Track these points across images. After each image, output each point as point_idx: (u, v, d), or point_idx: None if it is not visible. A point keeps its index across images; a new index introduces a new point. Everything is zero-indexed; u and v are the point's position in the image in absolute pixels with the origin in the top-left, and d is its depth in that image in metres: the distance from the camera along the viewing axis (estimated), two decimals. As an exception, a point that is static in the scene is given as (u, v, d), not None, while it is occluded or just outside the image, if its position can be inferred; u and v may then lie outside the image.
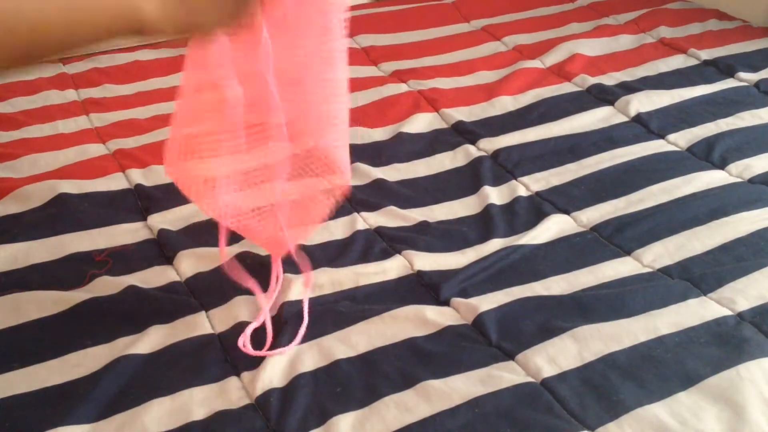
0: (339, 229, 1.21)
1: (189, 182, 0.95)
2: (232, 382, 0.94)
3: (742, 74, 1.69)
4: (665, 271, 1.13)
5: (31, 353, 0.98)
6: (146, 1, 0.73)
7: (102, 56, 1.83)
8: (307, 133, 0.95)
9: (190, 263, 1.13)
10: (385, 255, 1.14)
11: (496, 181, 1.34)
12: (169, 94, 1.66)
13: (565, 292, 1.08)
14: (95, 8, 0.70)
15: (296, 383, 0.93)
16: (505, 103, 1.59)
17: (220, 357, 0.98)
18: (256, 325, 1.00)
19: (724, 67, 1.72)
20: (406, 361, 0.96)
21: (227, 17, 0.77)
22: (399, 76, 1.71)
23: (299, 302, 1.03)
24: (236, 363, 0.97)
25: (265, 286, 1.05)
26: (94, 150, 1.44)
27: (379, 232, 1.20)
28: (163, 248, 1.17)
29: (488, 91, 1.64)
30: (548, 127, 1.50)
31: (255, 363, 0.96)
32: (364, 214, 1.24)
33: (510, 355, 0.98)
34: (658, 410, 0.89)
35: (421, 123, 1.52)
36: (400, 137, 1.47)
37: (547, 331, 1.00)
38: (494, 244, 1.18)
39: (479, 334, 1.01)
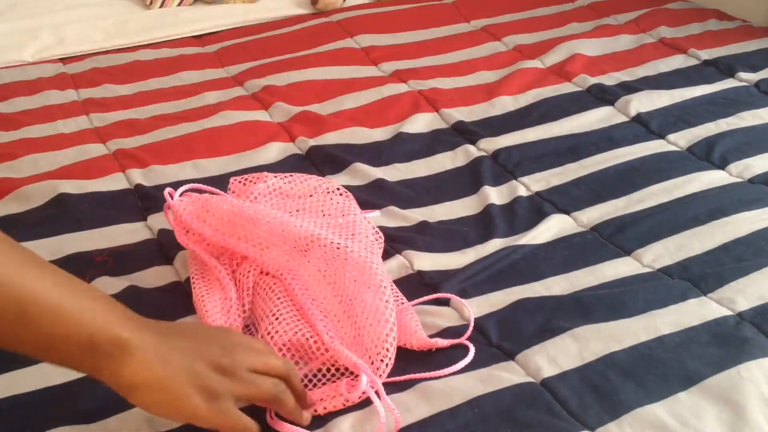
0: (339, 229, 1.20)
1: None
2: (232, 382, 0.94)
3: (742, 74, 1.69)
4: (665, 271, 1.13)
5: (31, 353, 0.98)
6: (136, 337, 0.73)
7: (102, 56, 1.83)
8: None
9: (190, 263, 1.13)
10: (385, 255, 1.14)
11: (496, 181, 1.34)
12: (169, 94, 1.66)
13: (565, 292, 1.08)
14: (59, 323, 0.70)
15: (296, 383, 0.93)
16: (506, 103, 1.59)
17: (220, 357, 0.98)
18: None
19: (724, 67, 1.72)
20: (406, 362, 0.96)
21: (209, 406, 0.75)
22: (399, 76, 1.71)
23: None
24: (236, 363, 0.96)
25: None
26: (94, 150, 1.44)
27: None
28: (163, 248, 1.17)
29: (488, 91, 1.64)
30: (548, 127, 1.50)
31: (255, 363, 0.96)
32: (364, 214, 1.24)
33: (510, 355, 0.98)
34: (658, 410, 0.89)
35: (421, 123, 1.52)
36: (400, 137, 1.47)
37: (547, 331, 1.00)
38: (494, 244, 1.18)
39: (479, 334, 1.01)
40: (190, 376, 0.75)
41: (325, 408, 0.89)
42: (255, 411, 0.89)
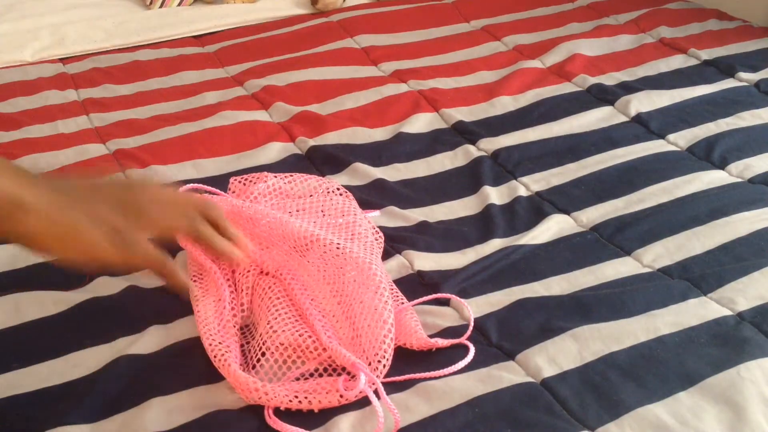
0: (339, 229, 1.20)
1: None
2: (232, 382, 0.94)
3: (742, 74, 1.69)
4: (665, 271, 1.13)
5: (31, 353, 0.98)
6: (30, 194, 0.70)
7: (102, 56, 1.83)
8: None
9: (190, 263, 1.13)
10: (385, 255, 1.14)
11: (496, 181, 1.34)
12: (169, 94, 1.66)
13: (565, 292, 1.08)
14: None
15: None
16: (505, 103, 1.59)
17: (220, 357, 0.98)
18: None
19: (724, 67, 1.72)
20: (406, 362, 0.96)
21: (113, 244, 0.73)
22: (399, 76, 1.71)
23: None
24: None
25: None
26: (94, 150, 1.44)
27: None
28: (163, 248, 1.17)
29: (488, 91, 1.64)
30: (548, 127, 1.50)
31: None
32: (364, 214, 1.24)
33: (510, 355, 0.98)
34: (658, 410, 0.89)
35: (421, 123, 1.52)
36: (400, 137, 1.47)
37: (547, 331, 1.00)
38: (494, 244, 1.18)
39: (479, 334, 1.01)
40: (91, 219, 0.74)
41: (320, 402, 0.89)
42: (254, 410, 0.90)
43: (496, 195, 1.30)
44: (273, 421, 0.88)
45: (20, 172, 0.73)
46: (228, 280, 1.05)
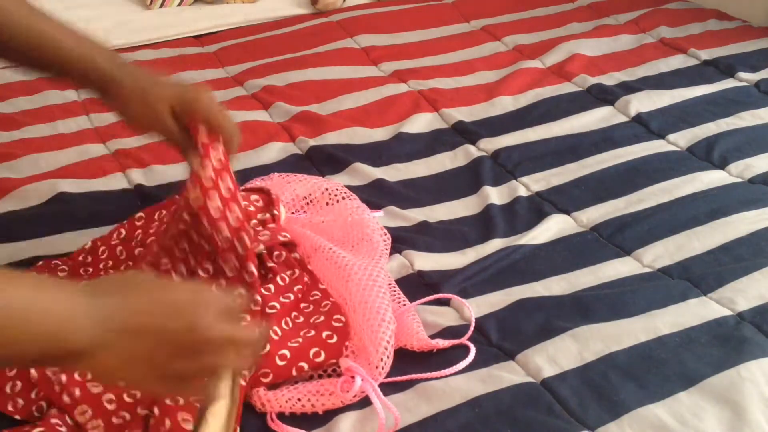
0: (339, 229, 1.20)
1: None
2: (233, 382, 0.94)
3: (742, 74, 1.69)
4: (665, 271, 1.13)
5: (32, 353, 0.98)
6: (78, 330, 0.67)
7: (102, 56, 1.83)
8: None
9: (190, 263, 1.13)
10: (386, 255, 1.15)
11: (497, 181, 1.34)
12: (169, 94, 1.66)
13: (565, 292, 1.08)
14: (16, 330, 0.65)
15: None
16: (506, 103, 1.59)
17: (220, 357, 0.98)
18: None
19: (724, 67, 1.72)
20: (406, 362, 0.96)
21: (164, 384, 0.72)
22: (399, 76, 1.71)
23: None
24: (236, 363, 0.96)
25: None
26: (95, 150, 1.44)
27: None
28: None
29: (488, 91, 1.64)
30: (548, 127, 1.50)
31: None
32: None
33: (510, 355, 0.98)
34: (658, 410, 0.89)
35: (421, 123, 1.52)
36: (400, 137, 1.47)
37: (547, 331, 1.00)
38: (494, 244, 1.18)
39: (479, 334, 1.01)
40: (150, 367, 0.71)
41: (323, 404, 0.89)
42: (254, 410, 0.90)
43: (496, 195, 1.30)
44: (275, 424, 0.88)
45: (82, 311, 0.68)
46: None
